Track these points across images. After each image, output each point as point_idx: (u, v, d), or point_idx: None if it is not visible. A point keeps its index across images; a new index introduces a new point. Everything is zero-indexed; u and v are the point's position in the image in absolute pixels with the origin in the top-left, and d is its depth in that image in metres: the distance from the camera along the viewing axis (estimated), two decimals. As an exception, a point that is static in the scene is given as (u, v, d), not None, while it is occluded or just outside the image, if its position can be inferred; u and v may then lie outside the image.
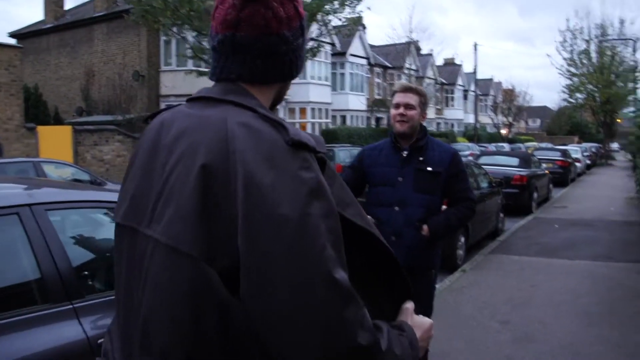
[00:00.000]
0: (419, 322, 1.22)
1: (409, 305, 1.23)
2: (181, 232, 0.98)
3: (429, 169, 3.10)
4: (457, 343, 4.63)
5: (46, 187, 2.91)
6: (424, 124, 3.27)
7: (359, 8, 16.82)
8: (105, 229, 3.20)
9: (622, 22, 32.88)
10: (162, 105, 21.86)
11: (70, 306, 2.39)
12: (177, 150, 1.05)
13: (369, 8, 21.53)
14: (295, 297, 0.92)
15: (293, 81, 1.23)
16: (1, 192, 2.61)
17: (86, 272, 2.74)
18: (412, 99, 3.13)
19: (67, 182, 5.55)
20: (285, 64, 1.16)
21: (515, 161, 14.66)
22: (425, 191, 3.09)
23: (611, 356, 4.42)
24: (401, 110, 3.13)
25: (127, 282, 1.14)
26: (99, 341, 2.31)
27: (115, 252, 1.23)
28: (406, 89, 3.18)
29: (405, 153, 3.16)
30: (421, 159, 3.13)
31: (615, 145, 53.05)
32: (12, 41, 24.07)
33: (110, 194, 3.23)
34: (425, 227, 3.06)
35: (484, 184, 9.79)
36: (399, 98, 3.16)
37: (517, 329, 4.98)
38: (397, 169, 3.14)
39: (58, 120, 19.05)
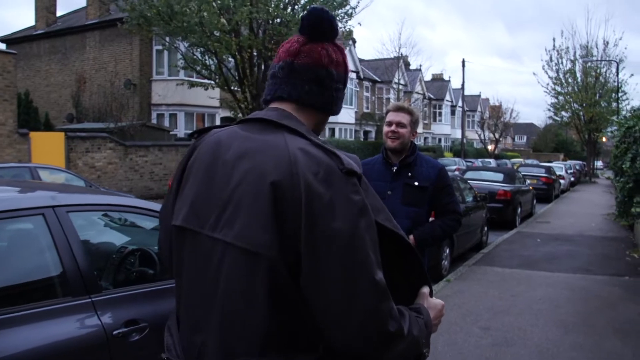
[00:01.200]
0: (433, 304, 1.49)
1: (425, 289, 1.50)
2: (257, 237, 1.20)
3: (417, 183, 3.38)
4: (441, 346, 4.89)
5: (68, 192, 3.12)
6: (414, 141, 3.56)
7: (350, 23, 17.13)
8: (118, 230, 3.43)
9: (606, 43, 33.60)
10: (154, 114, 22.11)
11: (89, 300, 2.60)
12: (241, 167, 1.28)
13: (359, 23, 21.90)
14: (345, 292, 1.19)
15: (338, 114, 1.53)
16: (28, 195, 2.84)
17: (102, 269, 2.97)
18: (404, 118, 3.40)
19: (84, 187, 5.75)
20: (328, 96, 1.44)
21: (500, 177, 15.02)
22: (412, 204, 3.35)
23: (585, 361, 4.70)
24: (393, 127, 3.41)
25: (189, 279, 1.36)
26: (114, 332, 2.55)
27: (174, 252, 1.44)
28: (398, 109, 3.46)
29: (395, 168, 3.44)
30: (410, 174, 3.40)
31: (599, 164, 53.91)
32: (2, 46, 24.12)
33: (124, 199, 3.47)
34: (411, 237, 3.30)
35: (469, 198, 10.08)
36: (391, 116, 3.44)
37: (497, 335, 5.25)
38: (387, 183, 3.40)
39: (49, 127, 19.12)
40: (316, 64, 1.41)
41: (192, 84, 17.20)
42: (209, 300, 1.29)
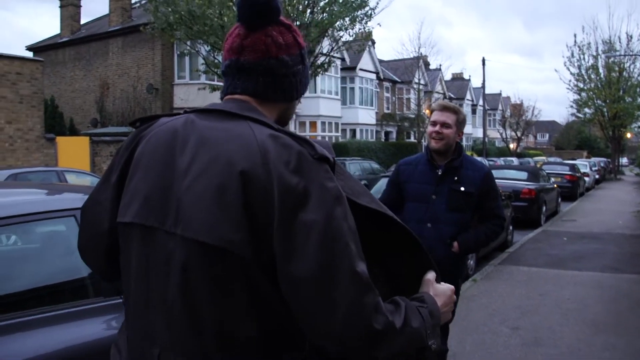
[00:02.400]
0: (441, 290, 1.35)
1: (430, 275, 1.36)
2: (225, 232, 1.10)
3: (463, 189, 3.23)
4: (469, 346, 4.84)
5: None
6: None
7: (370, 24, 17.11)
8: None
9: (630, 37, 33.04)
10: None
11: (121, 300, 2.63)
12: (204, 157, 1.16)
13: (379, 24, 21.73)
14: (324, 287, 1.09)
15: (303, 95, 1.45)
16: (60, 197, 2.89)
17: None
18: (449, 118, 3.26)
19: None
20: (286, 85, 1.32)
21: (524, 175, 14.84)
22: (457, 210, 3.23)
23: (617, 360, 4.62)
24: (437, 128, 3.26)
25: (142, 283, 1.23)
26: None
27: (121, 251, 1.30)
28: (444, 108, 3.30)
29: (440, 171, 3.28)
30: (455, 178, 3.25)
31: (624, 160, 53.02)
32: (29, 54, 24.61)
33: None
34: (455, 244, 3.21)
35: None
36: (436, 116, 3.30)
37: (526, 335, 5.18)
38: (432, 187, 3.26)
39: (73, 131, 19.45)
40: (264, 56, 1.29)
41: (214, 88, 17.32)
42: (169, 306, 1.18)
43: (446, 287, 1.38)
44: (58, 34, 27.22)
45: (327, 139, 28.67)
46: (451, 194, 3.23)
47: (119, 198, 1.31)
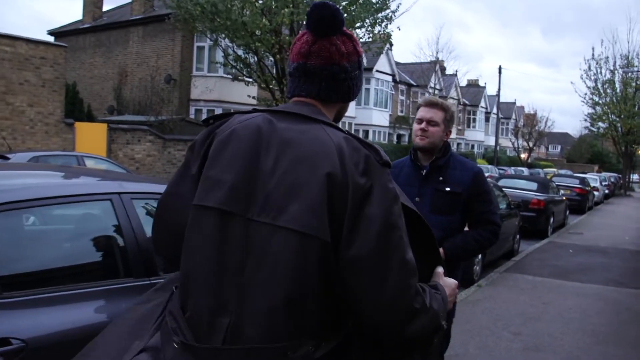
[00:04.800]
0: (448, 283, 1.59)
1: (440, 269, 1.60)
2: (313, 222, 1.27)
3: (448, 189, 2.99)
4: (472, 349, 5.01)
5: (132, 180, 3.35)
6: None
7: (390, 27, 17.19)
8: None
9: (649, 53, 32.85)
10: (192, 109, 22.54)
11: (149, 281, 2.80)
12: (289, 156, 1.34)
13: (399, 28, 21.93)
14: (380, 269, 1.29)
15: (357, 96, 1.64)
16: (99, 182, 3.08)
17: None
18: (437, 115, 3.01)
19: (144, 177, 6.01)
20: (345, 88, 1.52)
21: (533, 185, 14.94)
22: (443, 212, 2.97)
23: (614, 370, 4.77)
24: (423, 125, 3.02)
25: (214, 262, 1.34)
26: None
27: (196, 232, 1.39)
28: (431, 104, 3.05)
29: (424, 171, 3.07)
30: (441, 178, 3.02)
31: (635, 177, 52.72)
32: (51, 39, 24.90)
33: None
34: (441, 249, 2.87)
35: (503, 205, 10.10)
36: (422, 112, 3.05)
37: (527, 340, 5.34)
38: (416, 188, 3.03)
39: (90, 118, 19.69)
40: (328, 63, 1.47)
41: (235, 77, 17.54)
42: (245, 282, 1.31)
43: (451, 281, 1.62)
44: (80, 19, 27.50)
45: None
46: (435, 194, 3.00)
47: None
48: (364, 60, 29.89)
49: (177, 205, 1.51)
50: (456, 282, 1.64)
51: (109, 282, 2.70)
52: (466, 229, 3.10)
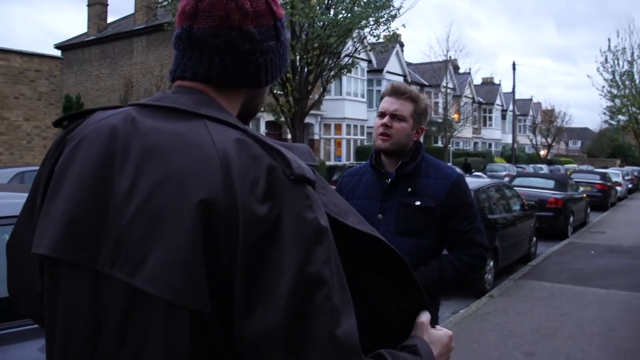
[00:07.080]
0: (437, 337, 1.09)
1: (424, 318, 1.09)
2: (179, 283, 0.81)
3: (418, 203, 2.29)
4: (477, 373, 4.44)
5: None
6: (421, 141, 2.49)
7: (394, 25, 16.73)
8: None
9: (668, 43, 31.92)
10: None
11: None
12: (150, 174, 0.87)
13: (404, 25, 21.37)
14: (296, 352, 0.81)
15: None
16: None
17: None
18: (404, 107, 2.32)
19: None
20: (251, 65, 0.99)
21: (551, 183, 14.37)
22: (411, 233, 2.28)
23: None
24: (385, 120, 2.32)
25: (66, 336, 0.93)
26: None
27: (46, 292, 0.98)
28: (397, 92, 2.35)
29: (389, 180, 2.37)
30: (409, 189, 2.33)
31: (659, 170, 51.42)
32: (57, 52, 24.87)
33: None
34: None
35: (516, 207, 9.55)
36: (385, 104, 2.36)
37: (542, 362, 4.75)
38: (378, 202, 2.36)
39: (96, 130, 19.54)
40: (222, 25, 0.95)
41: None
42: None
43: (443, 334, 1.11)
44: (85, 32, 27.53)
45: (351, 141, 28.38)
46: (402, 210, 2.30)
47: None
48: (374, 61, 29.45)
49: (28, 244, 0.98)
50: (450, 334, 1.12)
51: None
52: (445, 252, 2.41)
